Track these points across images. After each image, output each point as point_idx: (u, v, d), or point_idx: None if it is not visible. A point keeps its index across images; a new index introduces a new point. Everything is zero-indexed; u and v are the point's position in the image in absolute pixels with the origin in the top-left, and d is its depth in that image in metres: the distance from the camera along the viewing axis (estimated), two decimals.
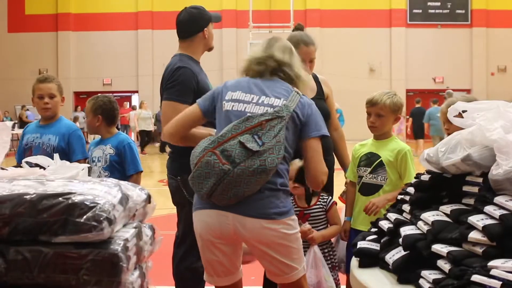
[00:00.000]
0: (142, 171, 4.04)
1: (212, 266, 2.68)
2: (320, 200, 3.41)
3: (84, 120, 23.73)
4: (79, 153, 3.89)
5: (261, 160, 2.39)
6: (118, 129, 4.27)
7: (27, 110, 23.97)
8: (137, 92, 26.83)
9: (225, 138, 2.46)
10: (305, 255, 3.16)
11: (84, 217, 1.72)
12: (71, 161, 3.67)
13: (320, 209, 3.39)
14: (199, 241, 2.67)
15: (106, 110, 4.01)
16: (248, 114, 2.56)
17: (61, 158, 3.67)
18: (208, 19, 3.57)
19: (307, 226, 3.27)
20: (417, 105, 18.31)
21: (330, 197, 3.50)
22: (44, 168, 2.34)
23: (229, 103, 2.67)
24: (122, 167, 3.96)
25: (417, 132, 17.53)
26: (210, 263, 2.67)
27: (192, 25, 3.55)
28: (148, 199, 2.17)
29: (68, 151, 3.83)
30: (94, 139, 4.32)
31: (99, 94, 4.20)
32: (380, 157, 3.38)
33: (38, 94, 3.86)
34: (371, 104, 3.43)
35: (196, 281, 3.52)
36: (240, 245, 2.69)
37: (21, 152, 3.87)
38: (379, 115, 3.41)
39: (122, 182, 2.04)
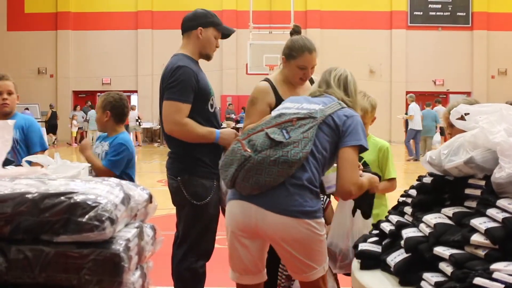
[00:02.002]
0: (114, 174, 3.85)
1: (233, 260, 2.69)
2: None
3: (84, 119, 23.95)
4: (37, 145, 3.94)
5: (284, 151, 2.44)
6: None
7: (27, 109, 23.96)
8: (136, 92, 26.82)
9: (255, 131, 2.56)
10: None
11: (86, 216, 1.71)
12: (30, 153, 3.74)
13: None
14: (227, 233, 2.69)
15: (115, 107, 3.99)
16: (281, 112, 2.64)
17: (23, 150, 3.72)
18: (209, 22, 3.56)
19: None
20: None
21: (326, 197, 3.50)
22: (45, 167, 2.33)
23: (276, 112, 2.73)
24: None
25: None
26: (231, 256, 2.69)
27: (190, 21, 3.58)
28: (150, 199, 2.16)
29: (27, 143, 3.90)
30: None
31: (110, 91, 4.18)
32: (363, 158, 3.37)
33: None
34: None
35: (196, 281, 3.51)
36: (265, 244, 2.67)
37: None
38: None
39: (123, 182, 2.03)
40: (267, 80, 3.59)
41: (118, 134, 4.00)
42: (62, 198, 1.76)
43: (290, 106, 2.70)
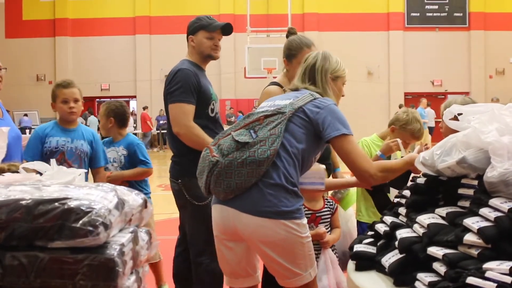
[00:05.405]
0: (151, 168, 4.40)
1: (222, 264, 2.66)
2: (327, 204, 3.40)
3: (83, 125, 24.03)
4: (103, 159, 4.05)
5: (251, 151, 2.39)
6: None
7: (26, 115, 23.98)
8: (135, 97, 26.84)
9: (224, 135, 2.53)
10: (317, 258, 3.15)
11: (80, 222, 1.72)
12: (93, 167, 3.93)
13: (328, 213, 3.38)
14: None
15: (118, 114, 4.42)
16: (251, 113, 2.62)
17: (87, 164, 3.84)
18: (196, 28, 3.68)
19: (323, 229, 3.27)
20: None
21: (335, 202, 3.49)
22: (41, 174, 2.34)
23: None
24: (134, 166, 4.34)
25: None
26: (220, 260, 2.66)
27: (187, 31, 3.73)
28: (144, 204, 2.17)
29: (93, 156, 3.95)
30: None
31: (111, 100, 4.64)
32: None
33: (63, 99, 3.86)
34: (419, 138, 3.65)
35: (216, 282, 3.45)
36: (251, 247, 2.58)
37: (43, 154, 3.78)
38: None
39: (118, 187, 2.04)
40: (275, 83, 3.63)
41: (126, 137, 4.45)
42: (56, 204, 1.77)
43: (263, 105, 2.66)
